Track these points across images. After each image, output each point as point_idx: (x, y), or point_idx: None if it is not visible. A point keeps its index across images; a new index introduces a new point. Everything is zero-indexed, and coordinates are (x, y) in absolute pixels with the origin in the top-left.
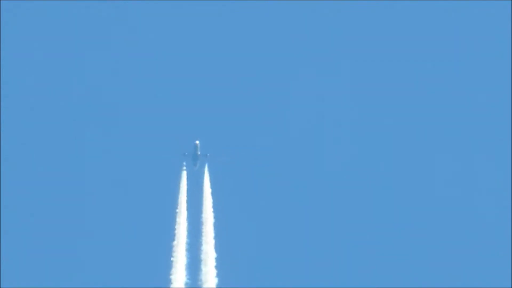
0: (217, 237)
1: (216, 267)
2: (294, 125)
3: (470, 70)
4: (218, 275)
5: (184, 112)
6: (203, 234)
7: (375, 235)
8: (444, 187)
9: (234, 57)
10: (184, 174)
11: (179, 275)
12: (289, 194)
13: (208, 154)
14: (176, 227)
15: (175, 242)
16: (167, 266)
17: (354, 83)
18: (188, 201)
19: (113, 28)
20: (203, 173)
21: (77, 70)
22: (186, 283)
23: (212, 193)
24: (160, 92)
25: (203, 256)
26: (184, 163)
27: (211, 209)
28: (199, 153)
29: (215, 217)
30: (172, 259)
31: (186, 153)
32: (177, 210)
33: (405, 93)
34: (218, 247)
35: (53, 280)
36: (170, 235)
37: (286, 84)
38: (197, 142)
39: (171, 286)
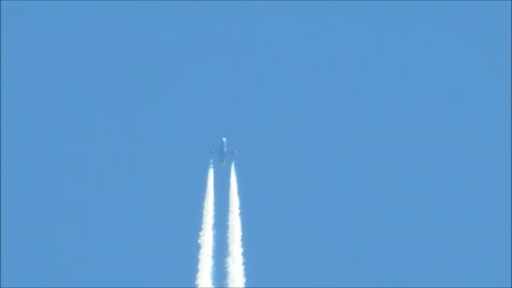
0: (244, 235)
1: (244, 265)
2: (322, 123)
3: (470, 70)
4: (245, 274)
5: (211, 108)
6: (230, 232)
7: (374, 235)
8: (444, 186)
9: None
10: (211, 172)
11: (205, 274)
12: (317, 192)
13: (235, 151)
14: (203, 224)
15: (201, 240)
16: (194, 264)
17: (355, 84)
18: (215, 199)
19: (113, 28)
20: (229, 171)
21: (78, 70)
22: (213, 283)
23: (239, 191)
24: (187, 90)
25: (229, 255)
26: (211, 161)
27: (238, 207)
28: (225, 150)
29: (242, 215)
30: (198, 257)
31: (213, 151)
32: (204, 207)
33: (404, 93)
34: (245, 246)
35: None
36: (196, 233)
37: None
38: (224, 139)
39: (198, 286)
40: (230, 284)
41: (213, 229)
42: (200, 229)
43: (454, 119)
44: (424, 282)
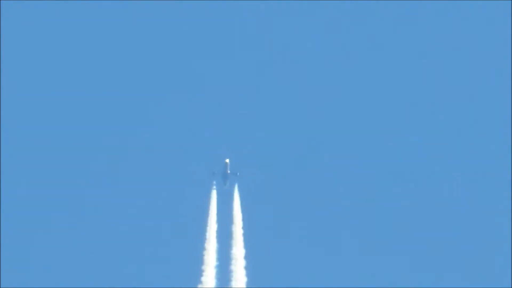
0: (248, 257)
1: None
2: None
3: (470, 70)
4: None
5: (213, 129)
6: (233, 255)
7: (373, 235)
8: (443, 186)
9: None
10: (214, 193)
11: None
12: (321, 214)
13: (238, 173)
14: (206, 246)
15: (204, 265)
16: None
17: (355, 85)
18: (217, 221)
19: (113, 28)
20: (233, 192)
21: (78, 70)
22: None
23: (242, 212)
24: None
25: (233, 279)
26: (214, 182)
27: (241, 229)
28: (229, 172)
29: (245, 236)
30: (201, 279)
31: (215, 172)
32: (207, 229)
33: (404, 93)
34: (248, 269)
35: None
36: (199, 255)
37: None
38: (227, 160)
39: None
40: None
41: (217, 252)
42: (203, 250)
43: (454, 119)
44: (424, 282)
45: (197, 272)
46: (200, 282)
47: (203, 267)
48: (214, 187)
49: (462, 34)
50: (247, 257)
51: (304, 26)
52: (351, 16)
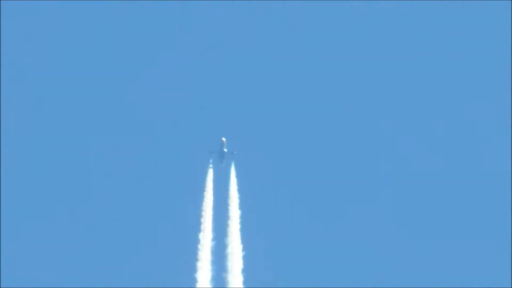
0: (244, 237)
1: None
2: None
3: (470, 70)
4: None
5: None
6: (229, 233)
7: (372, 235)
8: (444, 186)
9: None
10: (210, 172)
11: (204, 275)
12: (317, 192)
13: (234, 152)
14: (202, 226)
15: (200, 243)
16: (192, 266)
17: (355, 86)
18: (214, 200)
19: (113, 28)
20: (229, 171)
21: (78, 70)
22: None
23: (239, 191)
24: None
25: (229, 257)
26: (211, 161)
27: (238, 208)
28: (225, 150)
29: (242, 216)
30: (197, 258)
31: (211, 151)
32: (203, 209)
33: (404, 93)
34: (245, 247)
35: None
36: (195, 234)
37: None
38: (224, 139)
39: (197, 286)
40: (229, 284)
41: (212, 230)
42: (199, 230)
43: (454, 119)
44: (424, 282)
45: (193, 251)
46: (197, 259)
47: (199, 245)
48: (211, 165)
49: (462, 34)
50: (242, 234)
51: None
52: (351, 16)
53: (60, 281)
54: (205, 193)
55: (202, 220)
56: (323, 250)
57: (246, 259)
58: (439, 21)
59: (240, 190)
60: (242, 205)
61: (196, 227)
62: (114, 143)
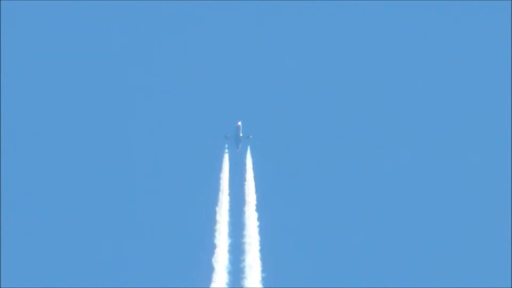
0: (260, 221)
1: (260, 252)
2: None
3: (470, 70)
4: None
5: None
6: (246, 218)
7: (371, 235)
8: (443, 185)
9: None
10: (226, 157)
11: (221, 261)
12: (334, 178)
13: (250, 136)
14: (218, 210)
15: (217, 227)
16: (210, 251)
17: (356, 86)
18: (230, 184)
19: (113, 28)
20: (245, 156)
21: (78, 70)
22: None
23: (255, 176)
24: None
25: (246, 241)
26: (226, 146)
27: (254, 193)
28: (241, 135)
29: (258, 200)
30: (214, 242)
31: (228, 135)
32: (219, 194)
33: (406, 92)
34: (261, 232)
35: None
36: (211, 219)
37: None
38: (239, 123)
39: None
40: (246, 280)
41: (229, 216)
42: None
43: (454, 119)
44: (424, 282)
45: (210, 234)
46: (214, 244)
47: (216, 227)
48: (226, 150)
49: (462, 34)
50: (259, 218)
51: None
52: (351, 16)
53: (60, 281)
54: (221, 179)
55: (218, 205)
56: (342, 233)
57: (262, 239)
58: (439, 21)
59: (256, 175)
60: (258, 190)
61: (212, 213)
62: (127, 132)
